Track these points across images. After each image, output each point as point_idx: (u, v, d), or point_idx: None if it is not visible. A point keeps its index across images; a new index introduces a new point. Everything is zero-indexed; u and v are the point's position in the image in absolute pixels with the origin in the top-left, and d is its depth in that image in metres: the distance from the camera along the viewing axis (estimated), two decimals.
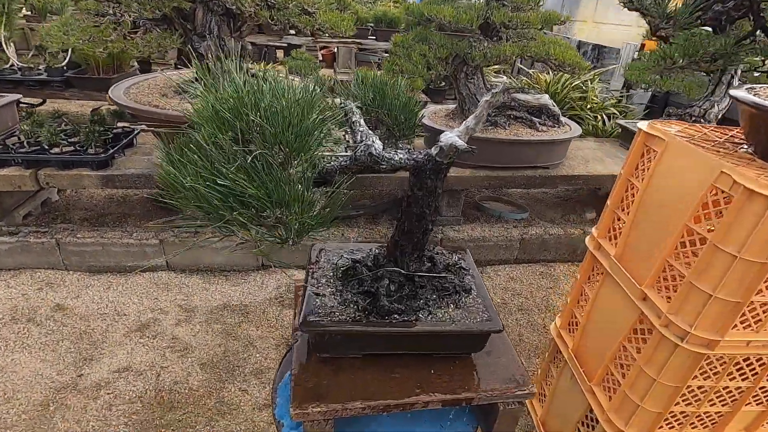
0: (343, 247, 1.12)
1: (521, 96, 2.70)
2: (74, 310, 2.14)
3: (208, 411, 1.72)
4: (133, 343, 1.99)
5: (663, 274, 1.11)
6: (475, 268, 1.09)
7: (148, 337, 2.03)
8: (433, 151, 0.83)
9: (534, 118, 2.69)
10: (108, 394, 1.75)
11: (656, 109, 4.17)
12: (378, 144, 0.82)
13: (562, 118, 2.83)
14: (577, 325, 1.50)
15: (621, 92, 4.34)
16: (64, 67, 3.82)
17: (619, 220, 1.28)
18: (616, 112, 3.75)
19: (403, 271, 0.95)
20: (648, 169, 1.15)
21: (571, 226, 2.90)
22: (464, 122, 0.88)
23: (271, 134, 0.64)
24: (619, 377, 1.26)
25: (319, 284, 0.99)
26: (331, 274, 1.03)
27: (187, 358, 1.93)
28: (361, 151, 0.81)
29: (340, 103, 0.89)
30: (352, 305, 0.93)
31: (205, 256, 2.47)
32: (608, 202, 1.32)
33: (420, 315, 0.92)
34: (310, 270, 1.03)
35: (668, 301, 1.07)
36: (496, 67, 5.11)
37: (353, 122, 0.87)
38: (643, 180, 1.17)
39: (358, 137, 0.84)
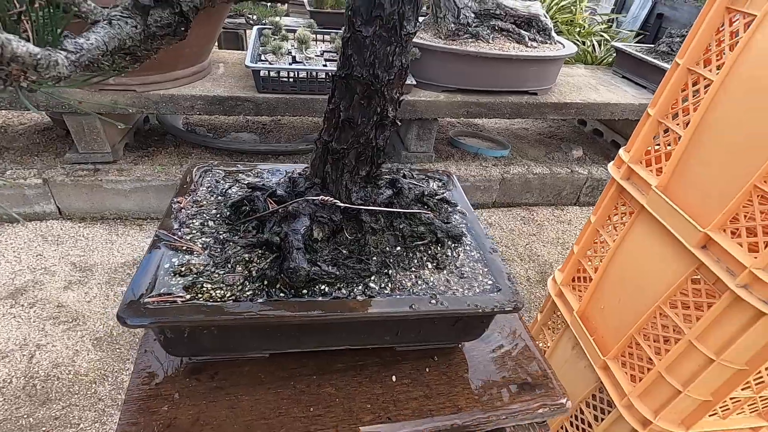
0: (243, 170, 0.65)
1: (509, 2, 2.19)
2: None
3: (99, 402, 1.28)
4: (0, 315, 1.48)
5: (746, 206, 0.72)
6: (467, 201, 0.66)
7: (22, 305, 1.52)
8: None
9: (522, 32, 2.20)
10: None
11: (648, 36, 3.74)
12: None
13: (554, 34, 2.35)
14: (585, 282, 1.14)
15: (610, 16, 3.87)
16: None
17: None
18: (607, 37, 3.31)
19: (338, 203, 0.50)
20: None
21: (556, 165, 2.53)
22: None
23: None
24: (651, 353, 0.92)
25: (188, 230, 0.53)
26: (215, 211, 0.57)
27: (75, 332, 1.46)
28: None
29: None
30: (240, 269, 0.48)
31: (111, 199, 1.93)
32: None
33: (370, 284, 0.49)
34: (176, 205, 0.56)
35: (752, 253, 0.70)
36: None
37: None
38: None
39: None
